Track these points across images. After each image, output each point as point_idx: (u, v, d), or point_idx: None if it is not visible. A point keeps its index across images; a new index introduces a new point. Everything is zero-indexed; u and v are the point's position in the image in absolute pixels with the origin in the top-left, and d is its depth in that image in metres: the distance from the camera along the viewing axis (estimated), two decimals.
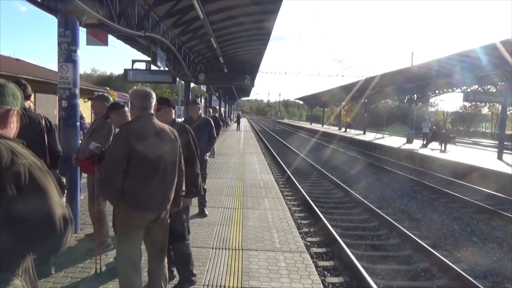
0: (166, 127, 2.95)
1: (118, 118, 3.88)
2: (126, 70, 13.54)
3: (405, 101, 27.86)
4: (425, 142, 24.41)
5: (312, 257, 4.76)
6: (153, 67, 16.58)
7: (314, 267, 4.31)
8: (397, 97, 29.63)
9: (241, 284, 3.77)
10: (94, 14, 4.99)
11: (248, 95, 60.98)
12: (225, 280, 3.83)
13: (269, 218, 6.16)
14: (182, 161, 3.05)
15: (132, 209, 2.70)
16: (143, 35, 7.39)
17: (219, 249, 4.64)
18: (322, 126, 54.29)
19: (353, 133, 35.84)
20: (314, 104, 59.49)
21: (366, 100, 34.84)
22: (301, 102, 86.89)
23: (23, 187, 1.30)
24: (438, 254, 5.91)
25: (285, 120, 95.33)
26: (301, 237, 5.43)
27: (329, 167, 16.42)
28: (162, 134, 2.84)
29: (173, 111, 3.88)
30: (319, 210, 8.26)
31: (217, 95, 29.00)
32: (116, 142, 2.79)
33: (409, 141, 26.23)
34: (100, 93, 4.52)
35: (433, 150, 20.67)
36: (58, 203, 1.39)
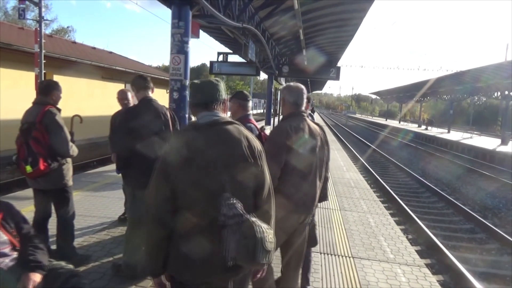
0: (316, 126, 2.72)
1: (236, 109, 3.75)
2: (211, 62, 13.76)
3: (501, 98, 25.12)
4: None
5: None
6: (236, 59, 16.75)
7: (441, 287, 3.81)
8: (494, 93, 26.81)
9: None
10: (207, 5, 4.91)
11: (321, 88, 59.69)
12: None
13: (372, 223, 5.71)
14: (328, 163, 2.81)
15: (281, 210, 2.50)
16: (241, 26, 7.30)
17: (328, 254, 4.33)
18: (399, 122, 51.36)
19: (435, 132, 33.28)
20: (391, 100, 56.42)
21: (449, 96, 32.11)
22: (374, 97, 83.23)
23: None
24: None
25: (357, 115, 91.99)
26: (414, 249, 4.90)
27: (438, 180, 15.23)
28: (314, 133, 2.61)
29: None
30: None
31: None
32: (276, 137, 2.58)
33: (504, 142, 23.63)
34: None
35: None
36: None
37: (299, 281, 2.94)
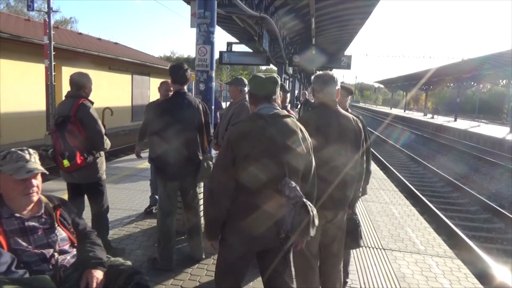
0: (350, 116, 2.64)
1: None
2: (221, 52, 13.61)
3: (510, 86, 24.89)
4: None
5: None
6: (244, 49, 16.58)
7: (476, 279, 3.78)
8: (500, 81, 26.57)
9: None
10: None
11: None
12: (383, 284, 3.49)
13: (396, 213, 5.67)
14: (364, 156, 2.74)
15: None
16: (259, 15, 7.19)
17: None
18: (404, 111, 51.08)
19: (442, 120, 33.08)
20: (396, 88, 56.01)
21: (455, 84, 31.78)
22: (377, 86, 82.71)
23: None
24: None
25: (361, 104, 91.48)
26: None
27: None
28: (346, 123, 2.54)
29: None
30: None
31: (298, 77, 28.40)
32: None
33: None
34: (238, 77, 4.32)
35: None
36: None
37: (341, 275, 2.89)
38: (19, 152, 1.85)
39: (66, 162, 3.18)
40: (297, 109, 17.81)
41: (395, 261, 4.00)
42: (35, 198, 1.88)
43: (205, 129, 3.54)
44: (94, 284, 1.83)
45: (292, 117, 2.16)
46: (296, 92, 28.97)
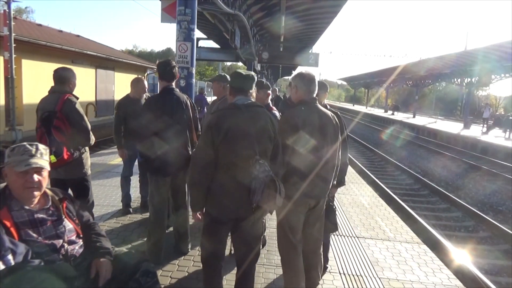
0: (328, 112, 2.85)
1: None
2: None
3: (464, 85, 26.46)
4: (485, 128, 23.21)
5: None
6: (212, 45, 16.57)
7: (441, 261, 4.15)
8: (454, 80, 28.15)
9: (376, 273, 3.68)
10: None
11: (291, 74, 60.09)
12: (359, 268, 3.75)
13: (365, 204, 6.01)
14: (341, 148, 2.96)
15: (288, 195, 2.63)
16: (233, 13, 7.29)
17: (335, 235, 4.56)
18: (366, 108, 52.85)
19: (402, 117, 34.60)
20: (358, 85, 57.79)
21: (414, 83, 33.33)
22: (340, 83, 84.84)
23: None
24: None
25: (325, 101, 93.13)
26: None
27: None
28: (325, 119, 2.75)
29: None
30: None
31: (266, 73, 28.71)
32: (285, 125, 2.69)
33: (467, 126, 25.04)
34: (221, 74, 4.42)
35: (497, 137, 19.59)
36: None
37: (321, 259, 3.11)
38: (27, 146, 1.89)
39: (52, 158, 3.16)
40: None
41: (368, 247, 4.29)
42: (36, 192, 1.91)
43: (193, 124, 3.63)
44: (104, 272, 1.91)
45: (264, 108, 2.55)
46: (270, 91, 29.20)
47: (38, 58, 14.29)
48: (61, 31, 21.27)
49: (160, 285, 2.05)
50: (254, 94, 2.67)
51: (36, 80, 13.89)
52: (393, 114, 38.09)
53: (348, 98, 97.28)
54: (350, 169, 9.16)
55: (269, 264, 3.73)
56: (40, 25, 20.40)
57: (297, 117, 2.67)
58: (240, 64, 23.89)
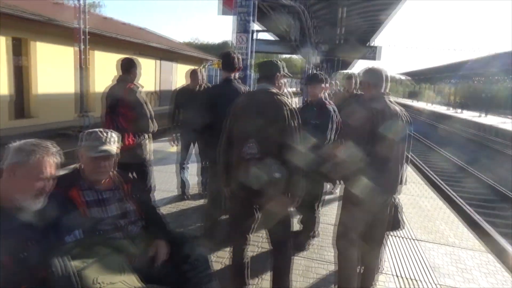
0: (397, 108, 2.73)
1: (314, 91, 3.79)
2: None
3: None
4: None
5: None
6: (269, 38, 16.55)
7: (510, 273, 3.82)
8: None
9: (435, 279, 3.48)
10: None
11: (347, 68, 58.53)
12: (416, 272, 3.57)
13: (425, 206, 5.70)
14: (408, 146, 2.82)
15: (365, 190, 2.57)
16: (291, 4, 7.23)
17: (392, 235, 4.37)
18: (427, 104, 50.00)
19: (470, 115, 32.22)
20: (421, 80, 54.85)
21: (485, 79, 30.89)
22: (399, 77, 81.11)
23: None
24: None
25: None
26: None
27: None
28: (395, 115, 2.63)
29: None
30: None
31: (324, 66, 28.18)
32: (359, 119, 2.61)
33: None
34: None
35: None
36: None
37: (378, 261, 3.02)
38: (99, 133, 2.01)
39: None
40: None
41: (427, 251, 4.07)
42: (103, 176, 2.04)
43: None
44: (161, 253, 1.99)
45: (278, 95, 2.55)
46: (327, 85, 28.70)
47: (107, 50, 15.22)
48: (125, 24, 22.44)
49: (212, 271, 2.09)
50: (281, 81, 2.71)
51: (105, 70, 14.81)
52: (460, 112, 35.62)
53: (408, 94, 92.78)
54: (410, 168, 8.75)
55: (321, 259, 3.67)
56: (106, 18, 21.67)
57: (369, 112, 2.58)
58: (297, 57, 23.72)
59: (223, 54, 3.57)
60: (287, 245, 2.72)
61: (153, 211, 2.25)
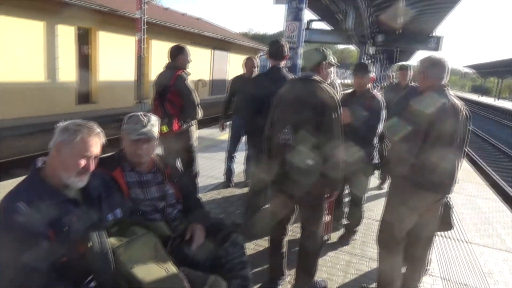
0: (458, 102, 2.52)
1: (359, 81, 3.63)
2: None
3: None
4: None
5: None
6: (323, 27, 16.18)
7: None
8: None
9: (488, 286, 3.24)
10: None
11: (408, 59, 55.75)
12: (467, 277, 3.35)
13: (483, 208, 5.31)
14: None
15: (417, 189, 2.42)
16: None
17: (442, 236, 4.14)
18: (495, 100, 46.33)
19: None
20: (488, 74, 50.82)
21: None
22: (465, 71, 75.80)
23: None
24: None
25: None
26: None
27: None
28: (456, 109, 2.43)
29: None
30: None
31: (380, 57, 27.02)
32: (416, 111, 2.45)
33: None
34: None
35: None
36: None
37: (426, 262, 2.86)
38: (140, 116, 2.07)
39: (165, 128, 3.47)
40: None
41: (481, 256, 3.79)
42: (144, 159, 2.10)
43: None
44: (197, 237, 2.02)
45: (320, 83, 2.46)
46: (376, 73, 27.66)
47: (163, 39, 15.75)
48: (183, 14, 23.03)
49: (246, 258, 2.09)
50: (327, 70, 2.62)
51: (161, 58, 15.37)
52: None
53: (474, 88, 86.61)
54: (466, 166, 8.18)
55: (362, 255, 3.56)
56: (166, 8, 22.38)
57: (428, 105, 2.40)
58: (352, 47, 22.99)
59: (271, 42, 3.53)
60: (317, 234, 2.67)
61: (192, 195, 2.30)
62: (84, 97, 13.13)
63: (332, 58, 2.63)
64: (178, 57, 3.71)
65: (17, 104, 10.21)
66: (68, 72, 12.02)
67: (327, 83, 2.58)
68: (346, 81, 40.37)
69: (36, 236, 1.41)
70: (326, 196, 2.56)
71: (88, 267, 1.47)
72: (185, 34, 17.08)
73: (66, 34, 11.79)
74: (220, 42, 20.29)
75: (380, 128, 3.54)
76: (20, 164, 6.71)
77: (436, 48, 12.74)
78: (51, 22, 11.16)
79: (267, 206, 4.12)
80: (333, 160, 2.40)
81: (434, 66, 2.49)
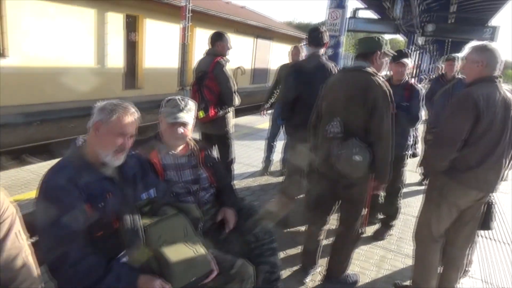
0: (510, 95, 2.34)
1: (396, 69, 3.49)
2: (347, 18, 13.09)
3: None
4: None
5: None
6: (370, 16, 15.63)
7: None
8: None
9: None
10: None
11: (460, 50, 52.62)
12: (510, 282, 3.16)
13: None
14: None
15: (458, 185, 2.30)
16: None
17: (485, 237, 3.93)
18: None
19: None
20: None
21: None
22: None
23: None
24: None
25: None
26: None
27: None
28: (508, 102, 2.26)
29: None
30: None
31: (430, 48, 25.70)
32: (461, 104, 2.31)
33: None
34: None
35: None
36: None
37: (465, 261, 2.72)
38: (177, 100, 2.11)
39: (201, 113, 3.52)
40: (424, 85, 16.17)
41: None
42: (179, 142, 2.15)
43: None
44: (228, 221, 2.05)
45: (371, 75, 2.34)
46: (425, 65, 26.40)
47: (207, 27, 15.90)
48: (228, 2, 23.11)
49: (276, 245, 2.10)
50: (382, 61, 2.47)
51: (205, 46, 15.53)
52: None
53: None
54: None
55: (398, 251, 3.46)
56: None
57: (478, 96, 2.22)
58: (399, 37, 22.02)
59: (311, 29, 3.46)
60: (355, 228, 2.63)
61: (225, 180, 2.33)
62: (131, 83, 13.61)
63: (388, 48, 2.48)
64: (217, 43, 3.73)
65: (70, 88, 10.77)
66: (116, 58, 12.51)
67: (381, 75, 2.46)
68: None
69: (73, 209, 1.49)
70: (373, 186, 2.51)
71: (121, 243, 1.54)
72: (228, 22, 17.16)
73: (115, 22, 12.23)
74: (263, 31, 20.19)
75: (422, 118, 3.42)
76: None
77: (492, 39, 11.85)
78: (101, 10, 11.62)
79: (301, 196, 4.10)
80: (382, 156, 2.34)
81: (488, 54, 2.30)
